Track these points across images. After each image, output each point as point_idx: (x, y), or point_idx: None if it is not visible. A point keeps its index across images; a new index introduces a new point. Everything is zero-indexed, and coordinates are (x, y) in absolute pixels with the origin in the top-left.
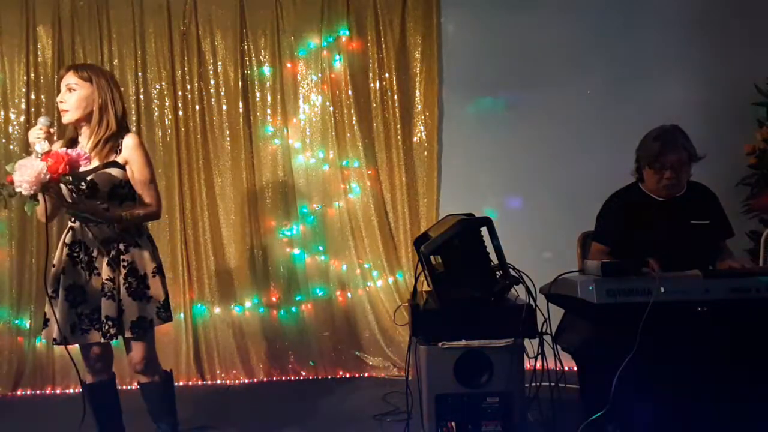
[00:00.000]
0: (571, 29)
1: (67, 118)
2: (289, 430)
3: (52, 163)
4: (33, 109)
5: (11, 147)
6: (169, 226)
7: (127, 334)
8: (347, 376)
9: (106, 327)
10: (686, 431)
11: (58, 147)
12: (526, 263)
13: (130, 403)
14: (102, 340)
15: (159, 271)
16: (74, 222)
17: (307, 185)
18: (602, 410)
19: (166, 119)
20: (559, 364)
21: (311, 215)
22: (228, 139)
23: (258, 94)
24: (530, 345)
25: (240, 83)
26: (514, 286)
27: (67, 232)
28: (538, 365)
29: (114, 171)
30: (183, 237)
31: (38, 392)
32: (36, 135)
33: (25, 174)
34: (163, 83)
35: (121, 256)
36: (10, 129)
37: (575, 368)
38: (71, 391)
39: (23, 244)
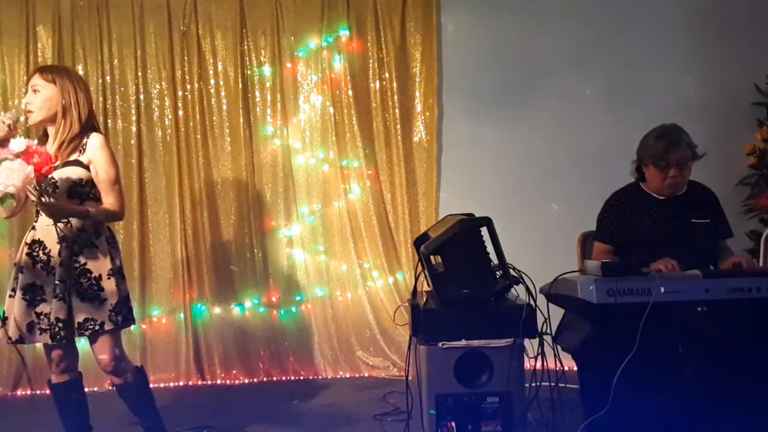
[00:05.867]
0: (571, 29)
1: (32, 119)
2: (289, 430)
3: (38, 162)
4: None
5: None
6: (169, 226)
7: (75, 336)
8: (347, 376)
9: (56, 329)
10: (686, 431)
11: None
12: (526, 263)
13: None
14: (51, 342)
15: (116, 273)
16: (36, 221)
17: (307, 185)
18: (602, 410)
19: (166, 119)
20: (559, 364)
21: (311, 215)
22: (228, 139)
23: (258, 94)
24: (530, 345)
25: (240, 83)
26: (514, 286)
27: (29, 231)
28: (538, 365)
29: (74, 170)
30: (183, 237)
31: (38, 392)
32: None
33: (14, 178)
34: (163, 83)
35: (74, 257)
36: None
37: (575, 368)
38: None
39: None
